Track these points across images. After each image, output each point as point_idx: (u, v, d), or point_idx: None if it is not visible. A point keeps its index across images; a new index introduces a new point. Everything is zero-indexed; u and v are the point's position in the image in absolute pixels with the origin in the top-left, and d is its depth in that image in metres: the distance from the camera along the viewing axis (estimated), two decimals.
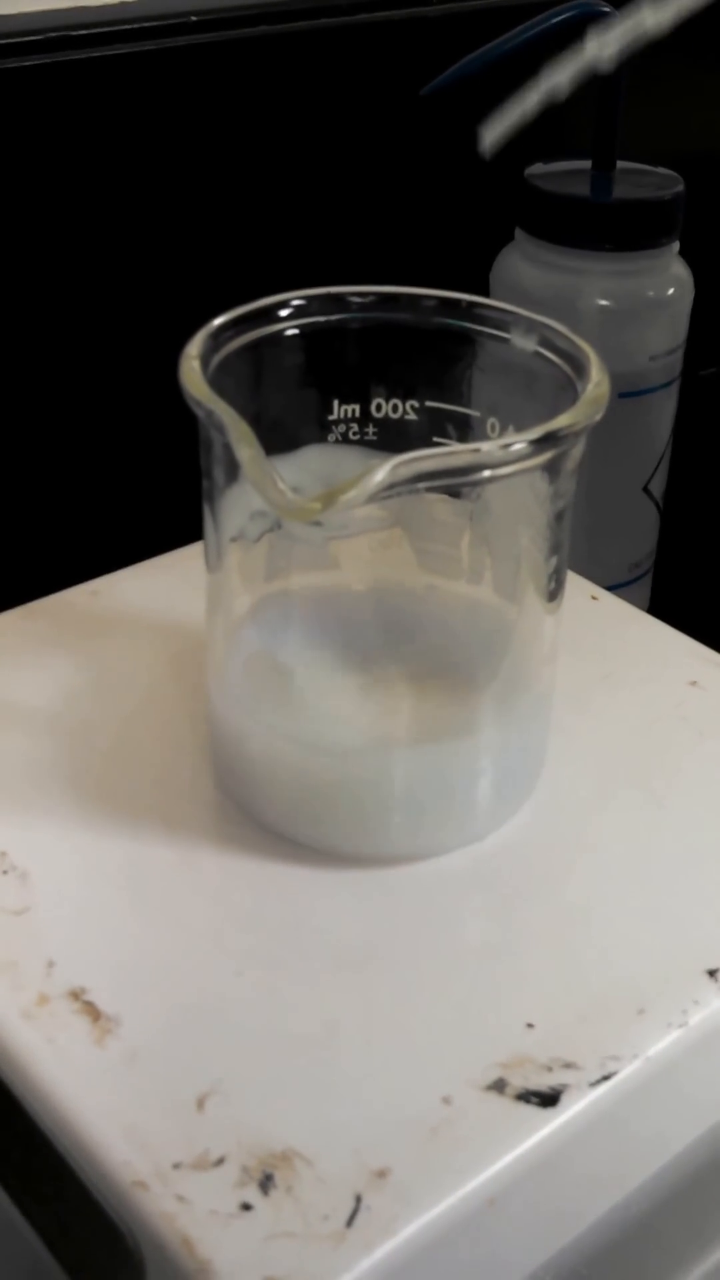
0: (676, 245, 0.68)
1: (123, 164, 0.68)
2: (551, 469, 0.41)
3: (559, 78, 0.43)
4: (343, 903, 0.43)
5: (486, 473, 0.38)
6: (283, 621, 0.47)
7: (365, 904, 0.43)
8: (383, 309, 0.46)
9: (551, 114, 0.81)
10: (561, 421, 0.39)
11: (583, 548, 0.71)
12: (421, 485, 0.37)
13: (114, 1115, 0.36)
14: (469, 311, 0.46)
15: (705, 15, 0.89)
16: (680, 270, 0.69)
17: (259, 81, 0.71)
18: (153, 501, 0.70)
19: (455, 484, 0.39)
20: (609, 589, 0.57)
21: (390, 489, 0.36)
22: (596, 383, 0.41)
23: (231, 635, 0.46)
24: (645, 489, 0.71)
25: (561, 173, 0.68)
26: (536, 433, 0.38)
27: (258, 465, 0.36)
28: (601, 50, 0.43)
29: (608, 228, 0.65)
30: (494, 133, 0.44)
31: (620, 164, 0.68)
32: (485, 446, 0.38)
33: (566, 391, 0.42)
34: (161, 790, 0.46)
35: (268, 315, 0.45)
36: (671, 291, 0.68)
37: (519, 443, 0.38)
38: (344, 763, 0.43)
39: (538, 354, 0.44)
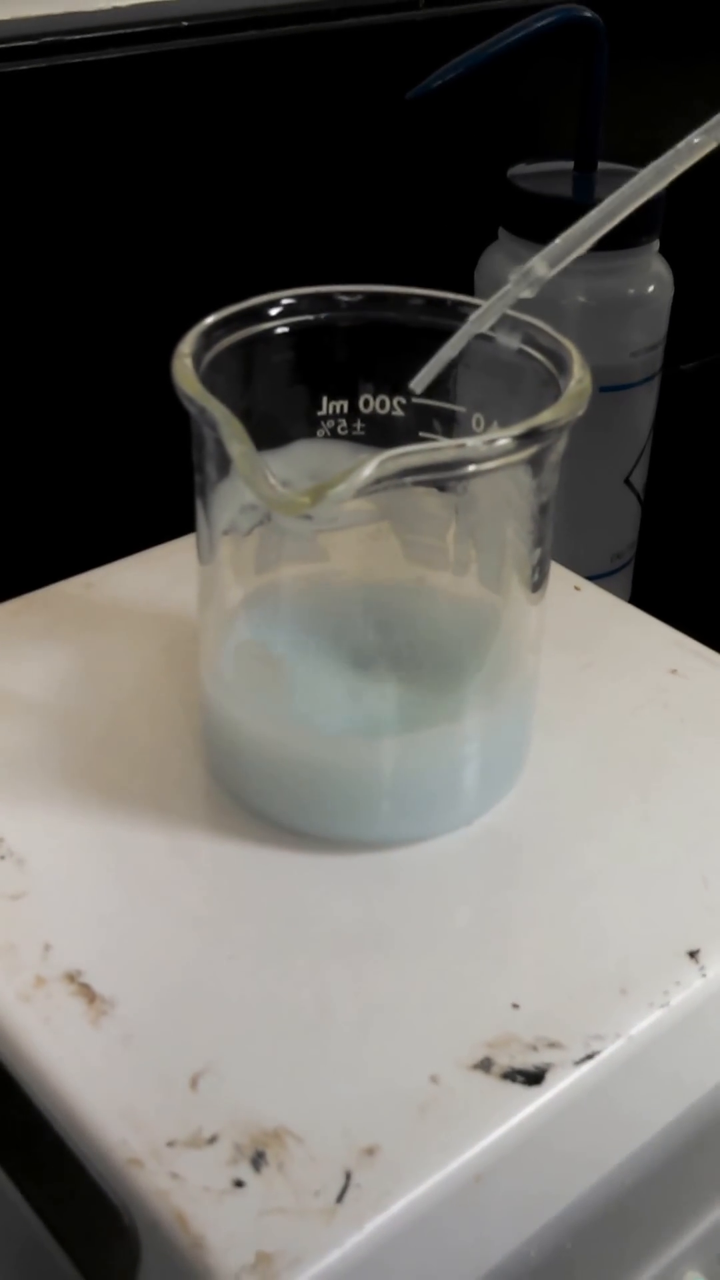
0: (656, 244, 0.68)
1: (117, 166, 0.68)
2: (535, 463, 0.41)
3: (484, 320, 0.44)
4: (333, 887, 0.43)
5: (471, 467, 0.38)
6: (273, 612, 0.47)
7: (355, 888, 0.43)
8: (370, 308, 0.46)
9: (533, 117, 0.81)
10: (544, 417, 0.39)
11: (566, 538, 0.71)
12: (408, 479, 0.37)
13: (109, 1095, 0.36)
14: (454, 310, 0.46)
15: (685, 20, 0.89)
16: (660, 268, 0.69)
17: (249, 85, 0.71)
18: (146, 495, 0.70)
19: (441, 478, 0.39)
20: (592, 579, 0.57)
21: (378, 483, 0.36)
22: (579, 379, 0.41)
23: (223, 626, 0.46)
24: (627, 481, 0.71)
25: (544, 174, 0.68)
26: (520, 428, 0.39)
27: (249, 460, 0.36)
28: (523, 285, 0.43)
29: None
30: (423, 377, 0.44)
31: (601, 165, 0.68)
32: (470, 442, 0.38)
33: (550, 387, 0.42)
34: (155, 777, 0.46)
35: (258, 314, 0.45)
36: (651, 289, 0.68)
37: (503, 438, 0.38)
38: (333, 749, 0.43)
39: (521, 351, 0.44)
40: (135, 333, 0.71)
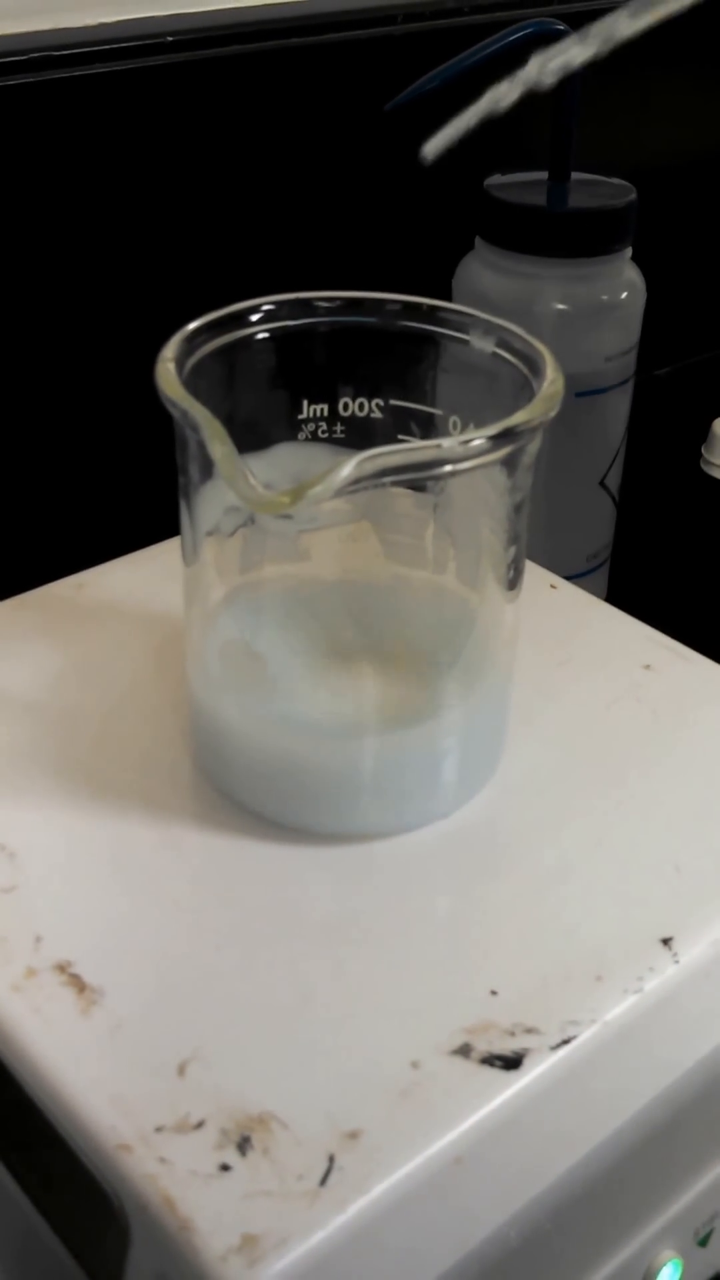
0: (629, 251, 0.68)
1: (104, 177, 0.68)
2: (510, 463, 0.41)
3: (501, 93, 0.43)
4: (315, 878, 0.43)
5: (448, 467, 0.38)
6: (257, 610, 0.46)
7: (337, 879, 0.43)
8: (349, 313, 0.46)
9: (509, 128, 0.80)
10: (518, 418, 0.39)
11: (543, 539, 0.71)
12: (386, 480, 0.37)
13: (99, 1082, 0.36)
14: (430, 315, 0.46)
15: (656, 33, 0.89)
16: (633, 275, 0.69)
17: (233, 99, 0.71)
18: (135, 498, 0.70)
19: (418, 478, 0.38)
20: (568, 578, 0.57)
21: (356, 483, 0.36)
22: (551, 380, 0.41)
23: (208, 624, 0.45)
24: (602, 483, 0.71)
25: (519, 183, 0.68)
26: (495, 429, 0.38)
27: (230, 462, 0.36)
28: (543, 68, 0.43)
29: (563, 235, 0.65)
30: (436, 143, 0.44)
31: (575, 175, 0.68)
32: (446, 442, 0.38)
33: (524, 390, 0.42)
34: (144, 773, 0.46)
35: (239, 320, 0.44)
36: (625, 295, 0.68)
37: (478, 438, 0.38)
38: (315, 744, 0.43)
39: (496, 355, 0.44)
40: (122, 339, 0.71)
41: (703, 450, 0.81)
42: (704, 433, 0.80)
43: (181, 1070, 0.37)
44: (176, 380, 0.40)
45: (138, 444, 0.71)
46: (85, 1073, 0.37)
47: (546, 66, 0.42)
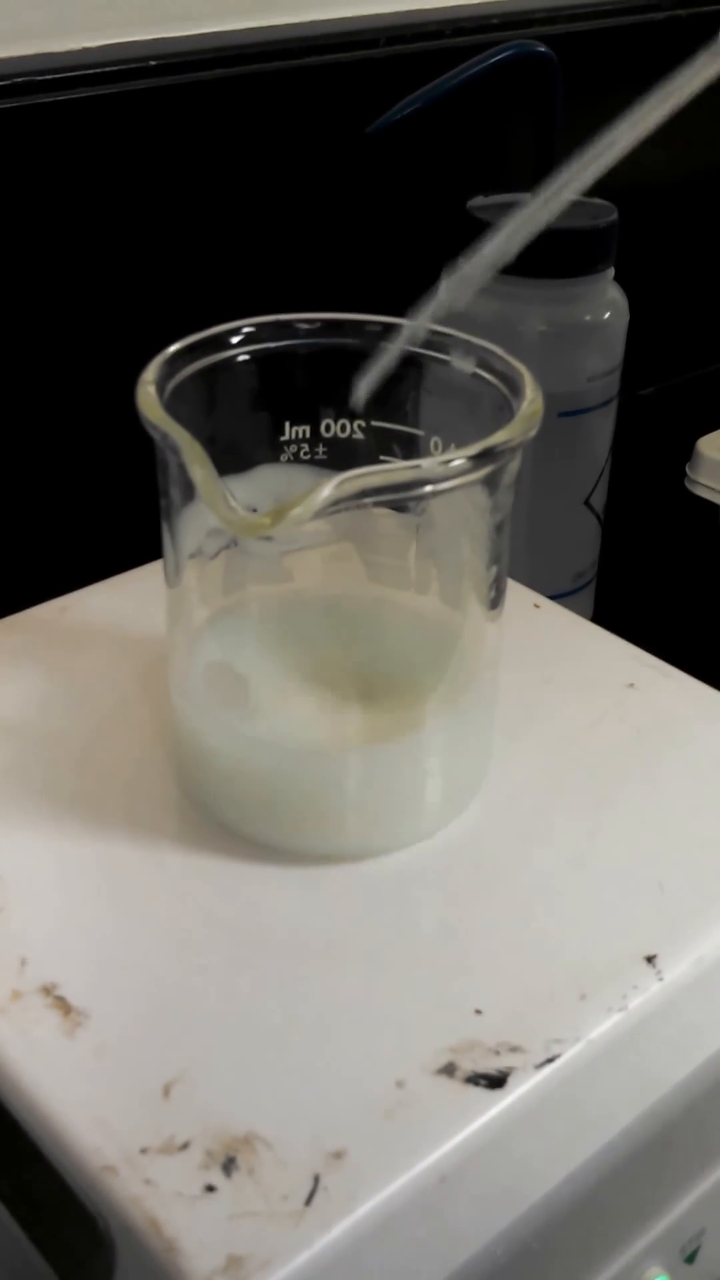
0: (611, 271, 0.68)
1: (87, 202, 0.68)
2: (490, 483, 0.41)
3: (420, 325, 0.44)
4: (301, 898, 0.43)
5: (427, 488, 0.38)
6: (240, 632, 0.47)
7: (322, 899, 0.43)
8: (329, 334, 0.46)
9: (491, 150, 0.81)
10: (498, 438, 0.39)
11: (528, 558, 0.71)
12: (366, 501, 0.37)
13: (84, 1104, 0.36)
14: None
15: (637, 53, 0.89)
16: (615, 295, 0.69)
17: (215, 122, 0.72)
18: (119, 520, 0.70)
19: (398, 499, 0.39)
20: (554, 598, 0.57)
21: (336, 504, 0.36)
22: (530, 400, 0.41)
23: (191, 646, 0.46)
24: (587, 502, 0.71)
25: (502, 205, 0.68)
26: (474, 449, 0.39)
27: (210, 484, 0.36)
28: (456, 292, 0.43)
29: (545, 256, 0.65)
30: (364, 386, 0.45)
31: None
32: (425, 463, 0.38)
33: (504, 410, 0.42)
34: (129, 794, 0.46)
35: (220, 342, 0.45)
36: (607, 316, 0.68)
37: (458, 459, 0.38)
38: (299, 764, 0.43)
39: (476, 375, 0.44)
40: (104, 361, 0.71)
41: (687, 469, 0.81)
42: (689, 452, 0.81)
43: (167, 1091, 0.37)
44: (157, 403, 0.40)
45: (121, 467, 0.71)
46: (70, 1095, 0.37)
47: (457, 291, 0.43)
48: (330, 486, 0.36)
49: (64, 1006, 0.39)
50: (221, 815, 0.45)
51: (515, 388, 0.42)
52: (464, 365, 0.45)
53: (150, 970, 0.40)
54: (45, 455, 0.72)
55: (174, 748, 0.47)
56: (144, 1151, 0.35)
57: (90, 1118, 0.36)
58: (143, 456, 0.43)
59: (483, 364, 0.44)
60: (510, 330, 0.67)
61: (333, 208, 0.78)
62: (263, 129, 0.74)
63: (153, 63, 0.69)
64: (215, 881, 0.43)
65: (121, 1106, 0.36)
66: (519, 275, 0.66)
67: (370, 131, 0.63)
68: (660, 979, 0.40)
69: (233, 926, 0.42)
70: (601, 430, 0.71)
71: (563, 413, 0.68)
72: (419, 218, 0.81)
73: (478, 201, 0.68)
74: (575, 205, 0.67)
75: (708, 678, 0.53)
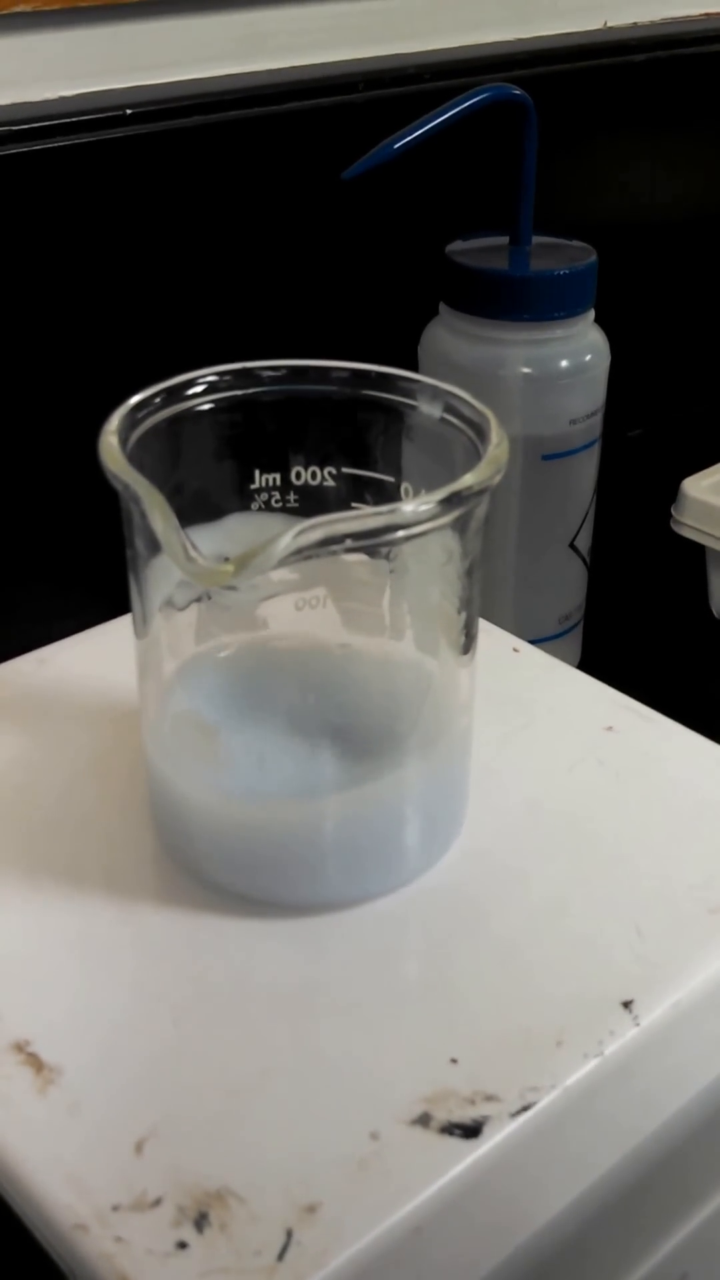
0: (592, 313, 0.69)
1: (62, 251, 0.69)
2: (459, 527, 0.41)
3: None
4: (274, 950, 0.43)
5: (395, 534, 0.38)
6: (212, 681, 0.47)
7: (297, 951, 0.43)
8: (295, 381, 0.46)
9: (469, 194, 0.81)
10: (464, 482, 0.39)
11: (513, 602, 0.71)
12: (331, 548, 0.37)
13: (56, 1161, 0.36)
14: (378, 381, 0.46)
15: (612, 97, 0.90)
16: (596, 337, 0.69)
17: (193, 169, 0.72)
18: (97, 572, 0.70)
19: (362, 546, 0.39)
20: (540, 641, 0.57)
21: (298, 553, 0.36)
22: (496, 444, 0.41)
23: (162, 697, 0.46)
24: (572, 545, 0.71)
25: (480, 249, 0.68)
26: (440, 494, 0.39)
27: (171, 534, 0.37)
28: None
29: (525, 300, 0.66)
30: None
31: (536, 238, 0.68)
32: (387, 509, 0.38)
33: (474, 455, 0.42)
34: (103, 847, 0.46)
35: (184, 391, 0.45)
36: (589, 358, 0.68)
37: (424, 504, 0.38)
38: (272, 815, 0.43)
39: (444, 420, 0.44)
40: (80, 410, 0.71)
41: (673, 510, 0.81)
42: (674, 493, 0.81)
43: (139, 1148, 0.37)
44: (120, 454, 0.40)
45: (98, 519, 0.71)
46: (41, 1152, 0.37)
47: None
48: (290, 535, 0.36)
49: (36, 1063, 0.39)
50: (196, 867, 0.45)
51: (481, 432, 0.43)
52: (431, 410, 0.45)
53: (124, 1025, 0.41)
54: (21, 508, 0.72)
55: (148, 799, 0.47)
56: (116, 1209, 0.35)
57: (62, 1175, 0.36)
58: (116, 507, 0.43)
59: (449, 409, 0.44)
60: (492, 374, 0.67)
61: (310, 253, 0.78)
62: (241, 175, 0.74)
63: (128, 110, 0.70)
64: (189, 933, 0.43)
65: (94, 1163, 0.36)
66: (500, 319, 0.66)
67: (347, 176, 0.63)
68: (637, 1024, 0.40)
69: (206, 979, 0.42)
70: (585, 472, 0.71)
71: (546, 455, 0.68)
72: (399, 263, 0.81)
73: (456, 246, 0.68)
74: (555, 247, 0.68)
75: (697, 720, 0.53)
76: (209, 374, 0.45)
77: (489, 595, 0.45)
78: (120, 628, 0.57)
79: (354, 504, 0.47)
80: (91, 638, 0.57)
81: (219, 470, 0.46)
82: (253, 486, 0.47)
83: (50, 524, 0.73)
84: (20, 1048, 0.39)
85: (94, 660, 0.55)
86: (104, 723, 0.52)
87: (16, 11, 0.67)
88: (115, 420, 0.42)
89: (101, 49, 0.71)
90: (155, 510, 0.37)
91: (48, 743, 0.51)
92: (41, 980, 0.42)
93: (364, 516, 0.38)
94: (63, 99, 0.70)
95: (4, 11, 0.67)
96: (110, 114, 0.70)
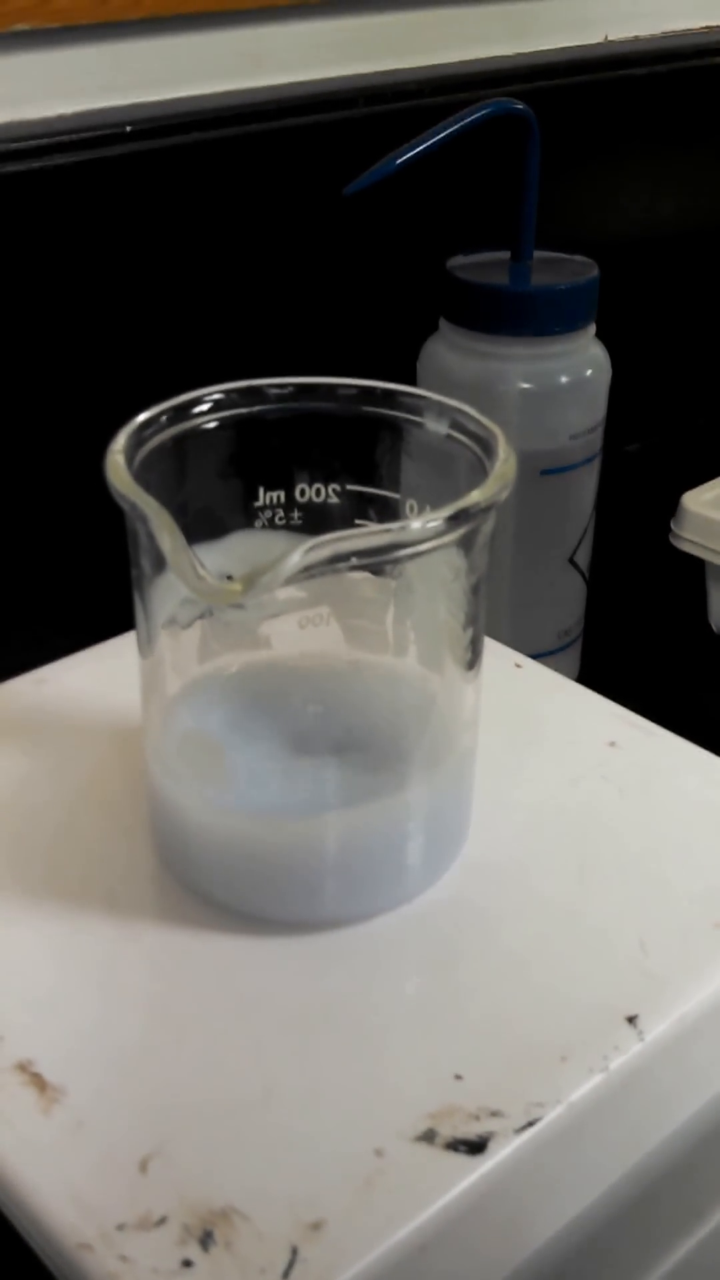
0: (593, 328, 0.69)
1: (62, 269, 0.69)
2: (465, 544, 0.41)
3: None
4: (278, 967, 0.43)
5: (399, 551, 0.39)
6: (216, 699, 0.47)
7: (300, 968, 0.43)
8: (301, 399, 0.46)
9: (470, 209, 0.81)
10: (471, 499, 0.39)
11: (513, 617, 0.71)
12: (339, 566, 0.37)
13: (60, 1181, 0.36)
14: (384, 398, 0.46)
15: (614, 112, 0.90)
16: (597, 351, 0.69)
17: (193, 186, 0.72)
18: (97, 590, 0.70)
19: (369, 563, 0.39)
20: (539, 657, 0.57)
21: (306, 571, 0.36)
22: (504, 460, 0.41)
23: (165, 716, 0.46)
24: (571, 560, 0.72)
25: (481, 264, 0.69)
26: (447, 511, 0.39)
27: (178, 553, 0.37)
28: None
29: (526, 315, 0.66)
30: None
31: (537, 253, 0.69)
32: (395, 526, 0.38)
33: (479, 471, 0.42)
34: (105, 867, 0.46)
35: (189, 409, 0.45)
36: (589, 373, 0.68)
37: (430, 521, 0.38)
38: (275, 832, 0.43)
39: (450, 436, 0.44)
40: (81, 429, 0.71)
41: (672, 524, 0.81)
42: (674, 507, 0.81)
43: (143, 1166, 0.37)
44: (125, 472, 0.40)
45: (99, 537, 0.71)
46: (46, 1172, 0.37)
47: None
48: (299, 553, 0.36)
49: (40, 1083, 0.39)
50: (199, 885, 0.45)
51: (488, 448, 0.43)
52: (437, 427, 0.45)
53: (127, 1044, 0.41)
54: (21, 526, 0.72)
55: (150, 818, 0.47)
56: (120, 1228, 0.35)
57: (66, 1195, 0.36)
58: (120, 525, 0.43)
59: (456, 425, 0.44)
60: (492, 389, 0.67)
61: (311, 269, 0.79)
62: (242, 191, 0.74)
63: (128, 128, 0.70)
64: (193, 952, 0.43)
65: (98, 1183, 0.36)
66: (500, 334, 0.66)
67: (348, 192, 0.63)
68: (642, 1039, 0.40)
69: (210, 997, 0.42)
70: (585, 487, 0.71)
71: (545, 470, 0.68)
72: (400, 278, 0.81)
73: (457, 261, 0.69)
74: (556, 262, 0.68)
75: (697, 734, 0.53)
76: (215, 391, 0.45)
77: (487, 610, 0.45)
78: (117, 647, 0.57)
79: (358, 521, 0.47)
80: (88, 657, 0.57)
81: (223, 488, 0.46)
82: (257, 504, 0.47)
83: (47, 543, 0.73)
84: (23, 1068, 0.39)
85: (92, 679, 0.55)
86: (103, 742, 0.52)
87: (16, 30, 0.67)
88: (121, 439, 0.42)
89: (101, 66, 0.71)
90: (163, 530, 0.37)
91: (47, 762, 0.51)
92: (44, 1000, 0.42)
93: (372, 534, 0.38)
94: (62, 117, 0.71)
95: (4, 30, 0.67)
96: (111, 131, 0.70)
